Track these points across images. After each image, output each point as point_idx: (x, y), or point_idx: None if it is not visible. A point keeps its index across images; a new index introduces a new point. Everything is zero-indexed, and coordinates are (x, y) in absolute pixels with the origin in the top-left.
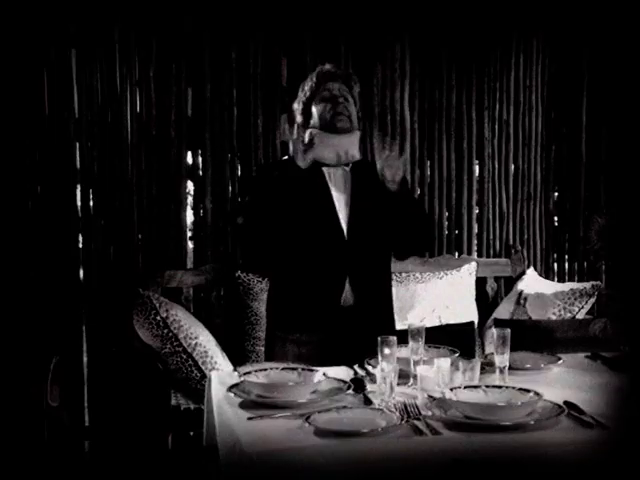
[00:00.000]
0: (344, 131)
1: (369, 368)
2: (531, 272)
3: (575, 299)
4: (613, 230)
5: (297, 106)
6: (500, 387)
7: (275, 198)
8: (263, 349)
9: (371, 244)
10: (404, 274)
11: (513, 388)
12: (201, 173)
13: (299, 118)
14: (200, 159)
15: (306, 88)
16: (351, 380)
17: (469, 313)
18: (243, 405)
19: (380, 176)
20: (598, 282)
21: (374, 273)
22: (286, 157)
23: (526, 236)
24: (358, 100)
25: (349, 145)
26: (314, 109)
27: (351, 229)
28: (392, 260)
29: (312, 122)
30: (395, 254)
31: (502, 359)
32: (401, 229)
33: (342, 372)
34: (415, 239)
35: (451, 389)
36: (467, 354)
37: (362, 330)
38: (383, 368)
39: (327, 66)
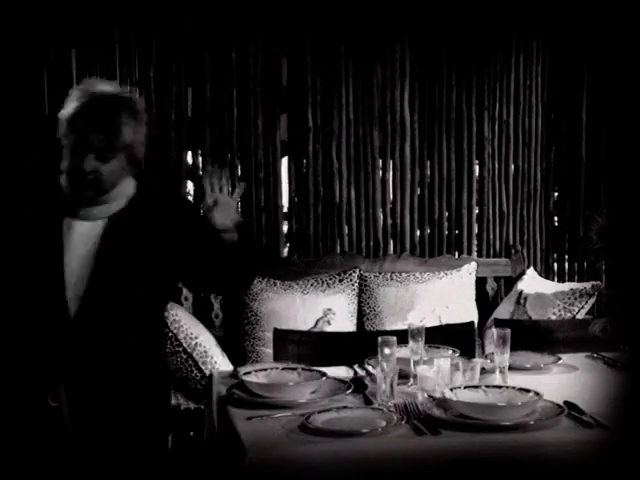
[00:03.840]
0: None
1: (369, 368)
2: (531, 272)
3: (575, 299)
4: (613, 230)
5: None
6: (500, 387)
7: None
8: (263, 349)
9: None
10: (404, 274)
11: (513, 388)
12: (201, 173)
13: None
14: (200, 159)
15: None
16: (351, 380)
17: (469, 313)
18: (243, 405)
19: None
20: (598, 282)
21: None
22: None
23: (526, 236)
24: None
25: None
26: None
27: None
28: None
29: None
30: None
31: (502, 359)
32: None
33: (342, 372)
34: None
35: (451, 389)
36: (467, 354)
37: None
38: (383, 368)
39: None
